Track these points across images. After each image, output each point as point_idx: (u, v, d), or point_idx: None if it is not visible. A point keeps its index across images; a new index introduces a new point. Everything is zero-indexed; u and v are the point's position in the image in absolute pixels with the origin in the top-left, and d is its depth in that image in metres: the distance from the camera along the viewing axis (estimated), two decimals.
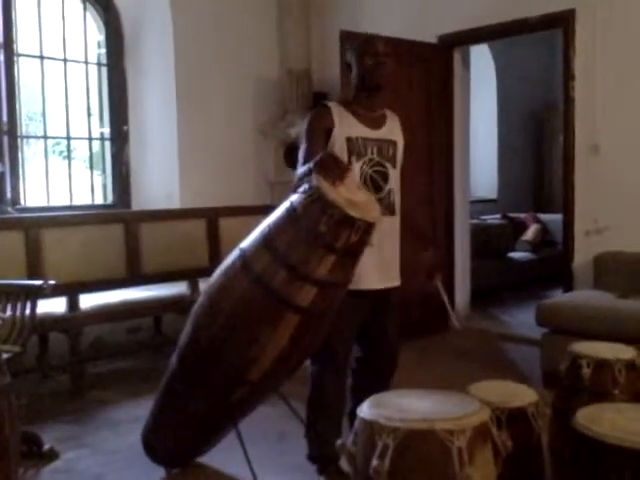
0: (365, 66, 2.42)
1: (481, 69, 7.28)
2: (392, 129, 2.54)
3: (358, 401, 1.94)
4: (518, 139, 8.26)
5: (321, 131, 2.41)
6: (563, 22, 4.48)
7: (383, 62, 2.42)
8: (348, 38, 4.44)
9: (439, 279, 2.62)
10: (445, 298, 2.60)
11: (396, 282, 2.54)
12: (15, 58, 4.67)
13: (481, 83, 7.33)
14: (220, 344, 2.22)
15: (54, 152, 5.32)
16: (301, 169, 2.34)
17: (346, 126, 2.41)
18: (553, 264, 6.32)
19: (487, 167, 7.94)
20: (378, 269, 2.42)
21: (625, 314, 3.57)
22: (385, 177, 2.45)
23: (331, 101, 2.56)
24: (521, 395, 2.15)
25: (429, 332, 4.87)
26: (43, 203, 4.89)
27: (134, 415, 3.26)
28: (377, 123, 2.49)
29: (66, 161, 5.21)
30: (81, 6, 5.20)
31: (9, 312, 2.87)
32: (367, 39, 2.49)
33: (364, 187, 2.36)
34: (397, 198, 2.51)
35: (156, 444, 2.59)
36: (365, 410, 1.75)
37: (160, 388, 2.52)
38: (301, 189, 2.13)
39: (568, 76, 4.49)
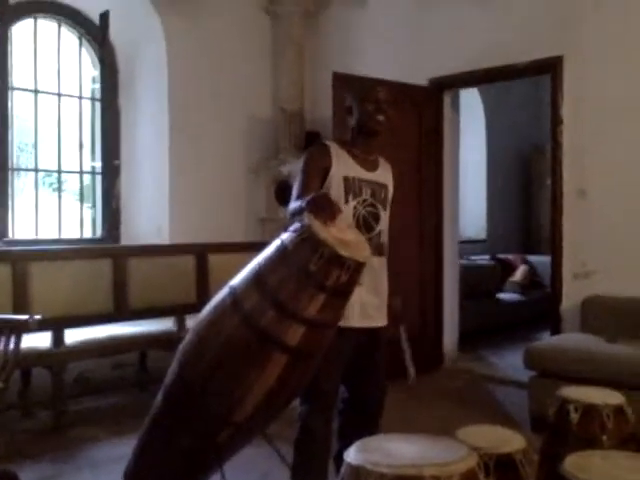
0: (365, 111, 2.48)
1: (471, 111, 7.41)
2: (384, 173, 2.59)
3: (345, 444, 1.92)
4: (507, 181, 8.37)
5: (319, 169, 2.43)
6: (551, 68, 4.57)
7: (383, 109, 2.49)
8: (341, 80, 4.53)
9: (404, 329, 2.64)
10: (406, 349, 2.61)
11: (383, 322, 2.54)
12: (9, 91, 4.70)
13: (470, 125, 7.44)
14: (206, 383, 2.19)
15: (44, 184, 5.32)
16: (293, 205, 2.35)
17: (343, 165, 2.45)
18: (541, 306, 6.34)
19: (476, 208, 8.01)
20: (365, 308, 2.42)
21: (613, 358, 3.57)
22: (377, 218, 2.49)
23: (329, 140, 2.61)
24: (509, 441, 2.13)
25: (418, 371, 4.81)
26: (32, 236, 4.87)
27: (116, 454, 3.19)
28: (372, 165, 2.54)
29: (56, 193, 5.21)
30: (77, 42, 5.27)
31: None
32: (369, 86, 2.57)
33: (356, 226, 2.40)
34: (386, 239, 2.54)
35: None
36: (352, 455, 1.73)
37: (144, 426, 2.48)
38: (292, 227, 2.14)
39: (556, 121, 4.57)
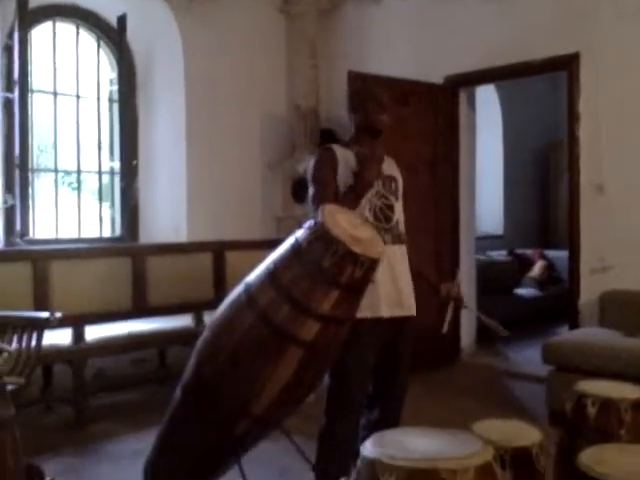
0: (368, 111, 2.51)
1: (487, 108, 7.37)
2: (391, 167, 2.62)
3: (366, 437, 1.93)
4: (524, 176, 8.31)
5: (328, 172, 2.46)
6: (567, 65, 4.55)
7: (386, 109, 2.52)
8: (356, 78, 4.54)
9: (464, 304, 2.69)
10: (480, 315, 2.66)
11: (411, 312, 2.54)
12: (29, 94, 4.77)
13: (487, 121, 7.41)
14: (223, 378, 2.22)
15: (64, 184, 5.39)
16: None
17: (350, 164, 2.46)
18: (559, 301, 6.29)
19: (493, 203, 7.97)
20: (392, 297, 2.43)
21: (631, 352, 3.55)
22: (392, 209, 2.51)
23: (333, 145, 2.62)
24: (525, 434, 2.13)
25: (436, 367, 4.86)
26: (52, 235, 4.93)
27: (136, 448, 3.24)
28: (378, 160, 2.53)
29: (75, 193, 5.27)
30: (95, 44, 5.33)
31: (15, 344, 2.88)
32: (371, 86, 2.64)
33: (374, 218, 2.43)
34: (403, 228, 2.57)
35: (158, 478, 2.57)
36: (368, 448, 1.74)
37: (163, 421, 2.51)
38: (306, 225, 2.16)
39: (572, 117, 4.55)
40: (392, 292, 2.41)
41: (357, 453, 2.36)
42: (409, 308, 2.52)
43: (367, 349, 2.39)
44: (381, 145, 2.59)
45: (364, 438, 1.87)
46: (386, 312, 2.42)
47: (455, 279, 2.72)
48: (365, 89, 2.63)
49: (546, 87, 7.87)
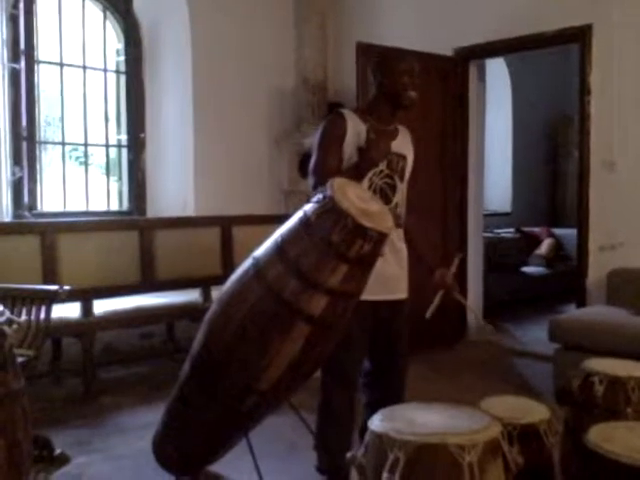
0: (398, 84, 2.41)
1: (497, 82, 7.28)
2: (403, 143, 2.55)
3: (370, 415, 1.94)
4: (533, 152, 8.23)
5: (335, 139, 2.40)
6: (580, 37, 4.47)
7: (416, 84, 2.43)
8: (365, 50, 4.48)
9: (457, 291, 2.61)
10: (468, 305, 2.61)
11: (402, 294, 2.54)
12: (35, 65, 4.74)
13: (496, 96, 7.32)
14: (231, 352, 2.22)
15: (71, 158, 5.38)
16: (312, 180, 2.36)
17: (358, 137, 2.41)
18: (567, 279, 6.28)
19: (501, 180, 7.91)
20: (384, 280, 2.41)
21: (639, 331, 3.54)
22: (393, 190, 2.47)
23: (346, 109, 2.55)
24: (533, 411, 2.14)
25: (442, 344, 4.87)
26: (60, 208, 4.94)
27: (145, 421, 3.27)
28: (389, 136, 2.49)
29: (83, 167, 5.26)
30: (101, 15, 5.27)
31: (24, 316, 2.90)
32: (403, 57, 2.48)
33: None
34: (403, 211, 2.53)
35: (166, 451, 2.59)
36: (376, 423, 1.75)
37: (171, 395, 2.53)
38: (314, 198, 2.14)
39: (584, 91, 4.48)
40: (379, 277, 2.32)
41: (363, 429, 2.40)
42: (398, 291, 2.51)
43: (352, 325, 2.32)
44: (398, 121, 2.53)
45: (367, 418, 1.87)
46: (376, 295, 2.39)
47: (452, 265, 2.63)
48: (394, 57, 2.48)
49: (558, 60, 7.71)
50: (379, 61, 2.50)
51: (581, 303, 4.47)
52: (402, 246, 2.52)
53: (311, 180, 2.39)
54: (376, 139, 2.36)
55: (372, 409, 2.19)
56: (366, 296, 2.31)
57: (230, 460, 2.63)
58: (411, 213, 2.61)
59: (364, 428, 2.42)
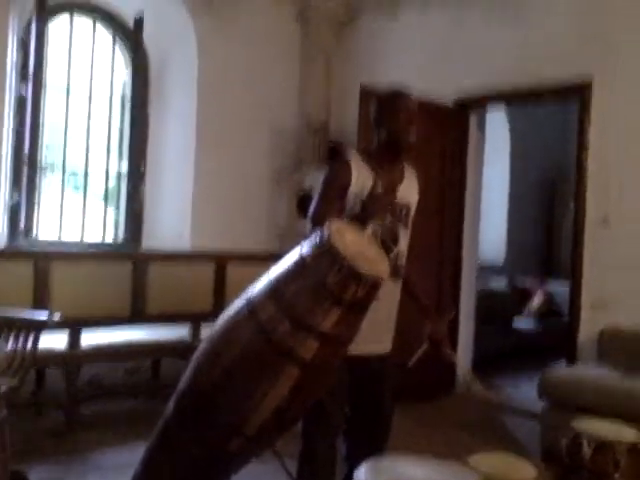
0: (397, 122, 2.39)
1: (495, 132, 7.35)
2: (408, 189, 2.52)
3: (352, 466, 1.90)
4: (529, 204, 8.24)
5: (338, 188, 2.38)
6: (580, 92, 4.51)
7: (414, 121, 2.41)
8: (368, 93, 4.54)
9: (448, 347, 2.57)
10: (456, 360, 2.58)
11: (388, 347, 2.51)
12: (42, 90, 4.77)
13: (494, 145, 7.39)
14: (218, 392, 2.19)
15: (68, 183, 5.39)
16: (309, 225, 2.35)
17: (362, 186, 2.38)
18: (558, 335, 6.25)
19: (495, 232, 7.91)
20: (373, 332, 2.35)
21: (629, 393, 3.51)
22: (395, 239, 2.45)
23: (352, 152, 2.49)
24: (520, 470, 2.10)
25: (431, 397, 4.81)
26: (55, 236, 4.92)
27: (124, 460, 3.18)
28: (394, 183, 2.47)
29: (81, 194, 5.26)
30: (110, 42, 5.33)
31: (11, 344, 2.86)
32: (400, 95, 2.46)
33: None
34: (404, 261, 2.49)
35: None
36: (361, 475, 1.72)
37: (154, 433, 2.47)
38: (311, 240, 2.14)
39: (582, 146, 4.51)
40: (369, 328, 2.24)
41: (347, 479, 2.35)
42: (384, 344, 2.48)
43: (341, 377, 2.32)
44: (404, 161, 2.51)
45: (353, 466, 1.84)
46: (364, 349, 2.34)
47: (444, 319, 2.59)
48: (392, 96, 2.48)
49: (557, 112, 7.75)
50: (378, 104, 2.49)
51: (571, 360, 4.44)
52: (396, 298, 2.49)
53: (309, 225, 2.39)
54: (380, 194, 2.34)
55: (354, 459, 2.14)
56: (353, 350, 2.24)
57: None
58: (412, 261, 2.58)
59: (347, 478, 2.38)
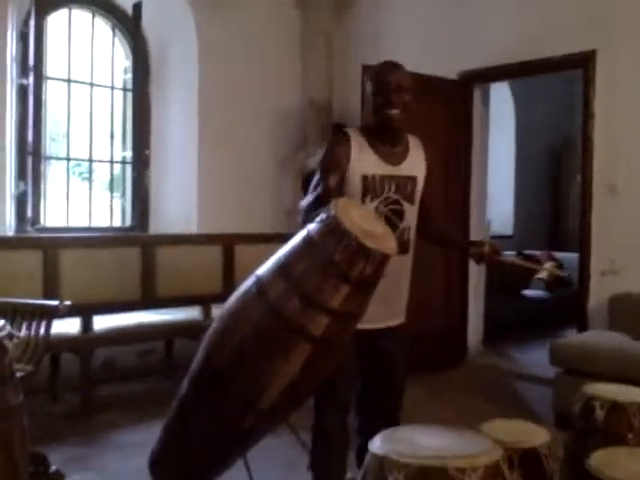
0: (382, 92, 2.34)
1: (500, 105, 7.31)
2: (414, 162, 2.48)
3: (365, 438, 1.92)
4: (536, 176, 8.25)
5: (337, 163, 2.35)
6: (584, 62, 4.50)
7: (396, 102, 2.34)
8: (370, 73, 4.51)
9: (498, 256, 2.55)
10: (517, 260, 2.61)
11: (400, 320, 2.51)
12: (43, 81, 4.77)
13: (500, 119, 7.35)
14: (231, 370, 2.21)
15: (74, 173, 5.40)
16: (307, 201, 2.35)
17: (363, 161, 2.35)
18: (568, 303, 6.25)
19: (503, 203, 7.92)
20: (379, 307, 2.32)
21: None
22: (401, 215, 2.41)
23: (352, 128, 2.46)
24: (534, 435, 2.12)
25: (443, 367, 4.85)
26: (62, 223, 4.95)
27: (141, 439, 3.24)
28: (398, 158, 2.43)
29: (87, 183, 5.28)
30: (110, 32, 5.32)
31: (24, 331, 2.89)
32: (385, 65, 2.43)
33: None
34: (412, 236, 2.47)
35: (163, 469, 2.57)
36: (376, 445, 1.74)
37: (169, 413, 2.51)
38: (318, 218, 2.14)
39: (587, 116, 4.51)
40: (379, 302, 2.23)
41: (360, 452, 2.37)
42: (398, 317, 2.49)
43: (351, 353, 2.33)
44: (404, 135, 2.46)
45: (366, 439, 1.85)
46: (374, 323, 2.36)
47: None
48: (376, 73, 2.39)
49: (561, 84, 7.76)
50: (370, 78, 2.45)
51: (582, 327, 4.46)
52: (406, 273, 2.48)
53: (310, 197, 2.36)
54: (379, 174, 2.35)
55: (366, 432, 2.15)
56: (364, 324, 2.24)
57: (227, 478, 2.60)
58: (436, 214, 2.61)
59: (360, 451, 2.40)
